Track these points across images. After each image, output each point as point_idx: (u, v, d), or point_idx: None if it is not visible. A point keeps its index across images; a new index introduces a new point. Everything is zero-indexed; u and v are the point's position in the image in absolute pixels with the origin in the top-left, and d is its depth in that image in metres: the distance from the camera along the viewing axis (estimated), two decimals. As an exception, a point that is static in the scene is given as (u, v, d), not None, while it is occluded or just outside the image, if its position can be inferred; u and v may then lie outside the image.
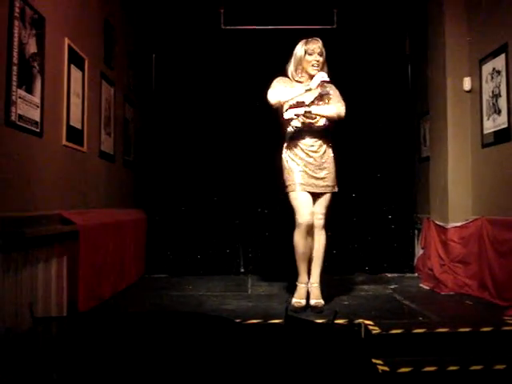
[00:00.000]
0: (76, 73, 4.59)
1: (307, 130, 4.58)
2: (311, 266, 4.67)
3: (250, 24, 6.98)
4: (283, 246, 6.12)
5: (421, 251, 6.40)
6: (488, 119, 5.15)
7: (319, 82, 4.42)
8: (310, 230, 4.55)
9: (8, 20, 3.36)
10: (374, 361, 3.58)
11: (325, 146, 4.63)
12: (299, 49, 4.69)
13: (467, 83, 5.54)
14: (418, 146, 6.91)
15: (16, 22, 3.43)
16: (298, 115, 4.51)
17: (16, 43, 3.43)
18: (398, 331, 3.80)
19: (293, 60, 4.76)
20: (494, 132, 5.03)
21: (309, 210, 4.53)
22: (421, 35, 6.50)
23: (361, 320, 4.00)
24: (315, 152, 4.58)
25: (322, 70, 4.61)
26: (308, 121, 4.54)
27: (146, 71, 7.09)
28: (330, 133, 4.75)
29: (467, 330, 3.84)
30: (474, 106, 5.48)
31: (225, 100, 6.95)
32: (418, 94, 6.88)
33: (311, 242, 4.62)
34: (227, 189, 6.94)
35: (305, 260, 4.62)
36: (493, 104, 5.06)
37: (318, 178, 4.57)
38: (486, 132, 5.20)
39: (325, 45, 4.69)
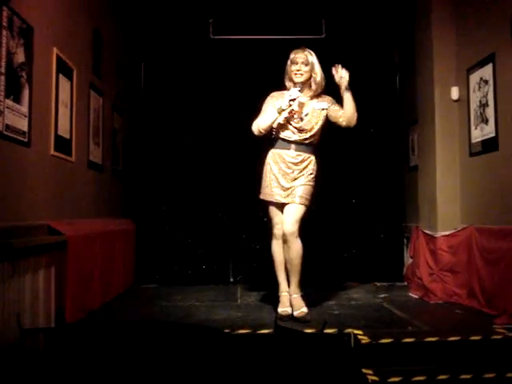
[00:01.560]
0: (64, 82, 4.58)
1: (294, 142, 4.61)
2: (289, 277, 4.66)
3: (239, 34, 6.99)
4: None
5: (410, 260, 6.40)
6: (476, 128, 5.18)
7: (288, 100, 4.48)
8: (285, 240, 4.55)
9: (-4, 30, 3.35)
10: (363, 370, 3.57)
11: (307, 162, 4.65)
12: (288, 59, 4.72)
13: (455, 92, 5.57)
14: (407, 155, 6.93)
15: (4, 32, 3.42)
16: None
17: (4, 53, 3.42)
18: (388, 341, 3.80)
19: (285, 71, 4.77)
20: (482, 141, 5.06)
21: (282, 220, 4.58)
22: (409, 45, 6.54)
23: (350, 329, 3.99)
24: (295, 164, 4.61)
25: (310, 78, 4.66)
26: (290, 107, 4.52)
27: (135, 81, 7.08)
28: (317, 150, 4.79)
29: (457, 338, 3.84)
30: (461, 115, 5.50)
31: (214, 109, 6.94)
32: (407, 103, 6.91)
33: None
34: (216, 198, 6.92)
35: (283, 269, 4.68)
36: (480, 113, 5.08)
37: (289, 188, 4.57)
38: (473, 141, 5.22)
39: (310, 53, 4.70)
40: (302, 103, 4.61)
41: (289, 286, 4.68)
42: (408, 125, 6.85)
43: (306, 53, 4.66)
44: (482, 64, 5.06)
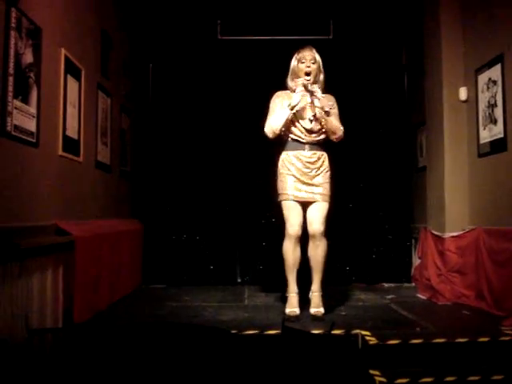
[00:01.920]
0: (72, 83, 4.59)
1: (307, 143, 4.64)
2: (312, 275, 4.69)
3: (247, 34, 6.99)
4: (280, 257, 6.12)
5: (418, 261, 6.38)
6: (484, 129, 5.16)
7: (309, 95, 4.57)
8: (298, 241, 4.65)
9: (4, 30, 3.36)
10: (371, 372, 3.56)
11: (322, 160, 4.69)
12: (293, 60, 4.77)
13: (463, 93, 5.55)
14: (415, 156, 6.91)
15: (12, 33, 3.43)
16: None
17: (12, 53, 3.43)
18: (396, 342, 3.79)
19: (290, 72, 4.81)
20: (491, 142, 5.04)
21: (298, 221, 4.62)
22: (417, 45, 6.53)
23: (358, 330, 3.98)
24: (312, 164, 4.64)
25: (317, 77, 4.68)
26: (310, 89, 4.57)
27: (143, 81, 7.10)
28: (328, 148, 4.82)
29: (465, 340, 3.83)
30: (470, 115, 5.48)
31: (222, 109, 6.95)
32: (415, 104, 6.89)
33: (300, 253, 4.69)
34: (225, 199, 6.93)
35: (293, 270, 4.69)
36: (489, 114, 5.07)
37: (312, 186, 4.62)
38: (482, 142, 5.21)
39: (321, 55, 4.75)
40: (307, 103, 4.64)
41: (304, 286, 4.73)
42: (416, 126, 6.83)
43: (313, 51, 4.70)
44: (490, 64, 5.04)
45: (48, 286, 3.90)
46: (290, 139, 4.71)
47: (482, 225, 5.15)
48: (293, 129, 4.67)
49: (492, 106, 5.02)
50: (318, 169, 4.65)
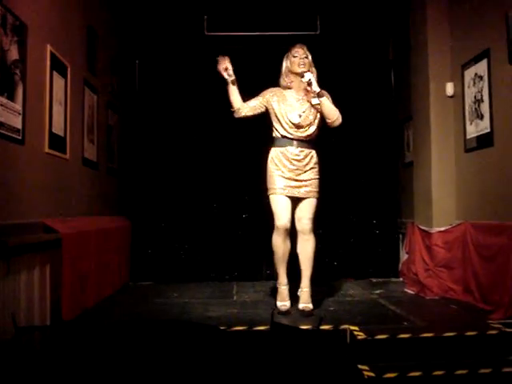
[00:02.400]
0: (58, 80, 4.56)
1: (295, 139, 4.71)
2: (301, 271, 4.77)
3: (234, 30, 6.98)
4: (269, 252, 6.11)
5: (405, 256, 6.41)
6: (471, 124, 5.18)
7: (309, 78, 4.63)
8: (287, 233, 4.70)
9: (-11, 27, 3.34)
10: (359, 366, 3.57)
11: (309, 157, 4.74)
12: (285, 57, 4.86)
13: (450, 88, 5.57)
14: (402, 151, 6.94)
15: (-3, 29, 3.41)
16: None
17: (-3, 50, 3.40)
18: (384, 336, 3.81)
19: (282, 70, 4.89)
20: (477, 137, 5.06)
21: (286, 214, 4.66)
22: (404, 41, 6.54)
23: (346, 326, 4.00)
24: (299, 161, 4.70)
25: (308, 71, 4.71)
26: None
27: (130, 77, 7.07)
28: (316, 144, 4.88)
29: (452, 334, 3.85)
30: (456, 111, 5.51)
31: (209, 106, 6.92)
32: (401, 99, 6.91)
33: (289, 245, 4.76)
34: (212, 195, 6.92)
35: (283, 262, 4.76)
36: (475, 109, 5.09)
37: (300, 182, 4.69)
38: (468, 137, 5.23)
39: (308, 51, 4.82)
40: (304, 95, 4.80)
41: (293, 279, 4.81)
42: (403, 121, 6.85)
43: (304, 48, 4.81)
44: (476, 60, 5.06)
45: (35, 284, 3.88)
46: (278, 135, 4.78)
47: (469, 219, 5.18)
48: (281, 124, 4.74)
49: (478, 101, 5.04)
50: (305, 166, 4.71)
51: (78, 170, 5.14)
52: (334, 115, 4.73)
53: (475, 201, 5.17)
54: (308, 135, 4.74)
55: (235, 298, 5.57)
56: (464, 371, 3.48)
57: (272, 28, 6.91)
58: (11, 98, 3.62)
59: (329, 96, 4.82)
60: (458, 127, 5.45)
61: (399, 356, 3.71)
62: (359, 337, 3.79)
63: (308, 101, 4.74)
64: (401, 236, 6.89)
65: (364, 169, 6.99)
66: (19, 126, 3.74)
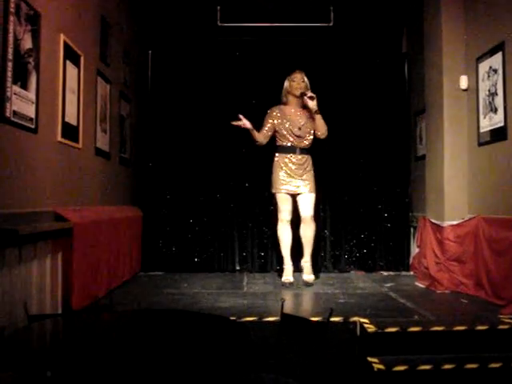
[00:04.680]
0: (72, 69, 4.57)
1: (301, 148, 5.84)
2: (303, 249, 5.86)
3: (247, 21, 6.97)
4: (279, 244, 6.12)
5: (417, 250, 6.40)
6: (484, 118, 5.15)
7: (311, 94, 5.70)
8: (289, 224, 5.84)
9: (3, 15, 3.34)
10: (369, 359, 3.58)
11: (307, 161, 5.88)
12: (285, 81, 5.94)
13: (464, 81, 5.54)
14: (414, 145, 6.91)
15: (11, 18, 3.41)
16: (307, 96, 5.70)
17: (11, 39, 3.41)
18: (394, 330, 3.80)
19: (283, 90, 5.97)
20: (491, 130, 5.03)
21: (288, 209, 5.83)
22: (417, 33, 6.50)
23: (356, 318, 4.00)
24: (301, 165, 5.81)
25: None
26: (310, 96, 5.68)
27: (142, 68, 7.07)
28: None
29: (463, 328, 3.84)
30: (470, 104, 5.47)
31: (221, 96, 6.92)
32: (415, 92, 6.88)
33: (291, 234, 5.85)
34: (224, 186, 6.92)
35: (287, 247, 5.86)
36: (489, 102, 5.06)
37: (300, 181, 5.78)
38: (482, 130, 5.20)
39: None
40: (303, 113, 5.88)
41: (298, 259, 5.95)
42: (416, 114, 6.82)
43: (302, 73, 5.86)
44: (491, 53, 5.02)
45: (47, 273, 3.91)
46: (283, 144, 5.87)
47: (481, 213, 5.16)
48: (285, 135, 5.82)
49: (492, 94, 5.00)
50: (305, 168, 5.82)
51: (91, 159, 5.15)
52: (323, 129, 5.80)
53: (488, 195, 5.14)
54: (306, 144, 5.86)
55: (245, 289, 5.59)
56: (474, 365, 3.48)
57: (285, 19, 6.89)
58: (24, 87, 3.63)
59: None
60: (472, 121, 5.42)
61: (409, 349, 3.71)
62: (369, 329, 3.78)
63: (305, 115, 5.83)
64: (412, 230, 6.88)
65: (376, 162, 6.96)
66: (32, 114, 3.76)
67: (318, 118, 5.73)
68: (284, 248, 5.86)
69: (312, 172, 5.87)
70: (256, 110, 6.29)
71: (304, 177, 5.78)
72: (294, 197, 5.81)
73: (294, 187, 5.76)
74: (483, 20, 5.24)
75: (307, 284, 5.63)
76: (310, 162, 5.88)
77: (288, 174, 5.76)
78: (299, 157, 5.80)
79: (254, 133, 5.80)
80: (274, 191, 5.88)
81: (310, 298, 5.14)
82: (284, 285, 5.63)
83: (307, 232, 5.80)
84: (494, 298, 4.72)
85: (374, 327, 3.82)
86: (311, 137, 5.86)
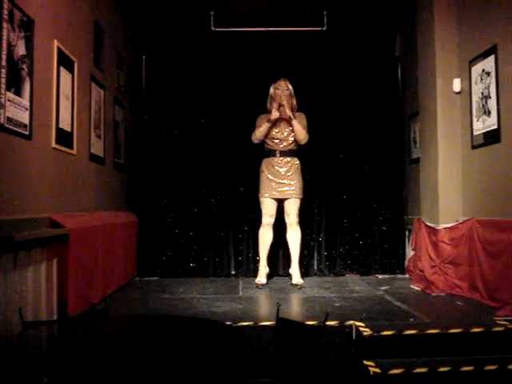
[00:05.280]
0: (65, 75, 4.57)
1: (280, 151, 5.99)
2: (291, 255, 6.05)
3: (240, 26, 6.98)
4: (275, 249, 6.13)
5: (412, 252, 6.41)
6: (478, 120, 5.17)
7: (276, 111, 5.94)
8: (270, 228, 5.99)
9: (-4, 22, 3.34)
10: (365, 362, 3.58)
11: (291, 164, 6.00)
12: (271, 88, 6.06)
13: (457, 84, 5.56)
14: (409, 147, 6.93)
15: (4, 24, 3.41)
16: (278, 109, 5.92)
17: (4, 45, 3.41)
18: (389, 333, 3.81)
19: (268, 97, 6.08)
20: (484, 133, 5.05)
21: (270, 213, 5.98)
22: (411, 36, 6.53)
23: (352, 322, 4.00)
24: (281, 167, 5.96)
25: (289, 100, 5.97)
26: (281, 110, 5.92)
27: (137, 73, 7.07)
28: (298, 155, 6.10)
29: (458, 331, 3.85)
30: (463, 107, 5.49)
31: (215, 101, 6.93)
32: (408, 95, 6.89)
33: (271, 237, 6.01)
34: (219, 191, 6.91)
35: (265, 250, 6.04)
36: (482, 105, 5.07)
37: (284, 186, 5.92)
38: (475, 133, 5.22)
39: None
40: (282, 119, 5.98)
41: (286, 264, 6.36)
42: (410, 117, 6.84)
43: (286, 81, 6.01)
44: (484, 55, 5.04)
45: (42, 279, 3.90)
46: (267, 147, 6.05)
47: (475, 216, 5.17)
48: (268, 141, 6.01)
49: (486, 97, 5.02)
50: (287, 171, 5.95)
51: (85, 165, 5.15)
52: (300, 134, 5.94)
53: (482, 197, 5.16)
54: (286, 145, 5.99)
55: (241, 293, 5.58)
56: (470, 368, 3.48)
57: (279, 24, 6.90)
58: (18, 93, 3.63)
59: (303, 118, 6.03)
60: (465, 123, 5.43)
61: (405, 352, 3.71)
62: (365, 333, 3.79)
63: (286, 121, 5.95)
64: (407, 232, 6.89)
65: (370, 165, 6.97)
66: (26, 121, 3.75)
67: (294, 123, 5.90)
68: (262, 250, 6.05)
69: (299, 176, 6.00)
70: (250, 114, 6.30)
71: (288, 181, 5.92)
72: (280, 201, 5.97)
73: (279, 192, 5.92)
74: (476, 23, 5.26)
75: (298, 287, 5.74)
76: (296, 166, 6.01)
77: (270, 178, 5.94)
78: (280, 159, 5.97)
79: (268, 128, 5.96)
80: (259, 195, 6.06)
81: (306, 302, 5.14)
82: (257, 286, 5.81)
83: (293, 238, 6.00)
84: (488, 300, 4.73)
85: (370, 330, 3.82)
86: (291, 140, 6.00)
